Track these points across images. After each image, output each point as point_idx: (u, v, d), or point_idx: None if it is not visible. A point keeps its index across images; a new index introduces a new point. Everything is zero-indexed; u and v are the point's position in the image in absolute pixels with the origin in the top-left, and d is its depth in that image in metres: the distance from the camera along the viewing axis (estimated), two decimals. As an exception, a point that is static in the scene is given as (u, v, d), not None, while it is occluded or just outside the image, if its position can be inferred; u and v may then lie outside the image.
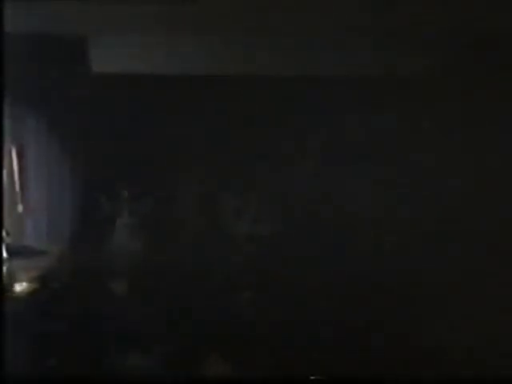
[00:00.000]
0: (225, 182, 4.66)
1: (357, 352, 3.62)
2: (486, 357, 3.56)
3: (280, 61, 4.38)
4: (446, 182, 4.41)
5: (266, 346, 3.74)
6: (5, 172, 4.32)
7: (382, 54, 4.39)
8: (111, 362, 3.61)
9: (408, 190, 4.39)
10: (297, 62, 4.38)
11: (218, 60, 4.37)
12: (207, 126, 4.53)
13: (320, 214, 4.56)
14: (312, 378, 3.44)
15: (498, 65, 4.25)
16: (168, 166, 4.59)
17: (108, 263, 4.44)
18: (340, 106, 4.34)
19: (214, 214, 4.72)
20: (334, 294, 4.04)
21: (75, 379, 3.38)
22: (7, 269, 4.07)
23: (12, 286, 3.99)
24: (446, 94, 4.38)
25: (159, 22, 4.05)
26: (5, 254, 4.23)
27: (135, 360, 3.68)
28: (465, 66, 4.36)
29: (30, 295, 3.97)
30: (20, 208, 4.47)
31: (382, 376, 3.45)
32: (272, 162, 4.57)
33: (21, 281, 4.03)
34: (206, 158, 4.60)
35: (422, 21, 3.99)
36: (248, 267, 4.40)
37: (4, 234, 4.16)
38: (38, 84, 4.30)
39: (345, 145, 4.46)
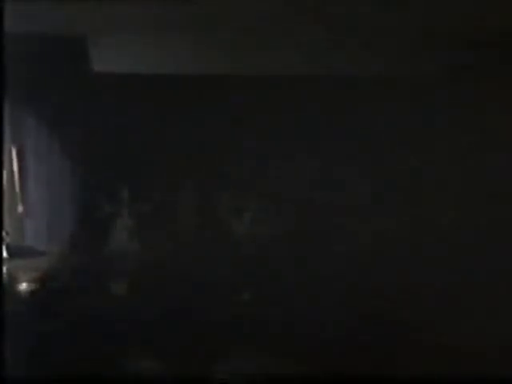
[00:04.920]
0: (225, 182, 4.66)
1: (357, 352, 3.62)
2: (485, 357, 3.56)
3: (280, 61, 4.38)
4: (446, 183, 4.41)
5: (266, 346, 3.74)
6: (5, 172, 4.33)
7: (383, 54, 4.39)
8: (111, 362, 3.61)
9: (409, 190, 4.39)
10: (297, 62, 4.39)
11: (217, 60, 4.37)
12: (207, 126, 4.53)
13: (320, 214, 4.56)
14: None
15: (498, 65, 4.26)
16: (168, 167, 4.59)
17: (108, 263, 4.43)
18: (341, 106, 4.34)
19: (213, 214, 4.72)
20: (335, 294, 4.04)
21: (75, 379, 3.38)
22: (7, 269, 4.07)
23: (12, 286, 3.99)
24: (446, 95, 4.38)
25: (159, 22, 4.05)
26: (5, 254, 4.24)
27: (135, 360, 3.68)
28: (465, 66, 4.37)
29: (30, 295, 3.97)
30: (20, 208, 4.47)
31: (382, 376, 3.45)
32: (272, 162, 4.57)
33: (21, 281, 4.03)
34: (206, 158, 4.60)
35: (422, 21, 3.99)
36: (248, 267, 4.40)
37: (4, 233, 4.16)
38: (38, 84, 4.30)
39: (345, 145, 4.46)
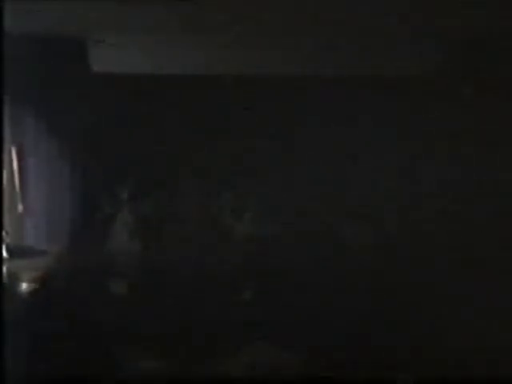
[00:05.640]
0: (225, 182, 4.66)
1: (357, 351, 3.62)
2: (485, 357, 3.56)
3: (280, 61, 4.38)
4: (446, 183, 4.41)
5: (266, 346, 3.74)
6: (5, 172, 4.33)
7: (382, 54, 4.40)
8: (111, 362, 3.61)
9: (408, 190, 4.39)
10: (297, 62, 4.39)
11: (218, 60, 4.37)
12: (207, 125, 4.54)
13: (320, 214, 4.56)
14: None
15: (498, 65, 4.26)
16: (168, 166, 4.59)
17: (108, 263, 4.44)
18: (340, 107, 4.35)
19: (213, 214, 4.72)
20: (335, 294, 4.04)
21: (75, 379, 3.38)
22: (7, 269, 4.07)
23: (12, 286, 3.99)
24: (445, 94, 4.39)
25: (159, 22, 4.05)
26: (5, 254, 4.24)
27: (135, 360, 3.68)
28: (464, 66, 4.37)
29: (30, 295, 3.97)
30: (20, 208, 4.47)
31: (382, 376, 3.45)
32: (272, 162, 4.57)
33: (21, 281, 4.04)
34: (206, 158, 4.60)
35: (422, 21, 3.99)
36: (248, 267, 4.40)
37: (4, 233, 4.16)
38: (38, 84, 4.30)
39: (345, 145, 4.46)
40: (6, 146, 4.27)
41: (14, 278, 4.03)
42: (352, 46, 4.34)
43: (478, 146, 4.37)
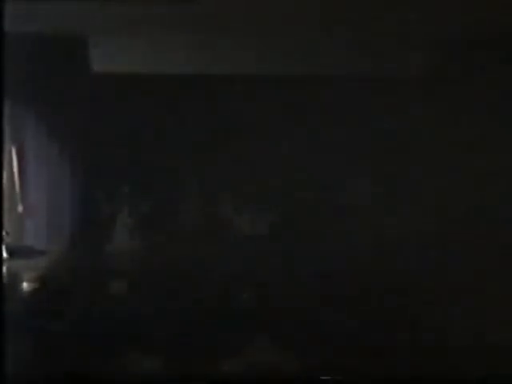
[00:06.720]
0: (225, 182, 4.66)
1: (357, 352, 3.62)
2: (485, 357, 3.56)
3: (280, 61, 4.38)
4: (446, 183, 4.41)
5: (266, 346, 3.74)
6: (5, 172, 4.33)
7: (382, 53, 4.40)
8: (111, 362, 3.61)
9: (408, 190, 4.39)
10: (297, 62, 4.39)
11: (218, 60, 4.38)
12: (207, 125, 4.53)
13: (321, 214, 4.56)
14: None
15: (498, 64, 4.26)
16: (168, 166, 4.59)
17: (108, 263, 4.44)
18: (340, 107, 4.35)
19: (213, 214, 4.72)
20: (335, 294, 4.04)
21: (75, 379, 3.38)
22: (7, 269, 4.08)
23: (12, 285, 3.99)
24: (446, 94, 4.39)
25: (159, 22, 4.06)
26: (5, 254, 4.24)
27: (135, 360, 3.68)
28: (464, 65, 4.37)
29: (30, 295, 3.97)
30: (20, 208, 4.47)
31: (382, 376, 3.45)
32: (272, 161, 4.57)
33: (21, 281, 4.04)
34: (206, 158, 4.60)
35: (422, 21, 4.00)
36: (248, 267, 4.40)
37: (4, 233, 4.16)
38: (38, 84, 4.30)
39: (345, 145, 4.46)
40: (6, 146, 4.27)
41: (14, 278, 4.03)
42: (352, 45, 4.35)
43: (477, 147, 4.38)
